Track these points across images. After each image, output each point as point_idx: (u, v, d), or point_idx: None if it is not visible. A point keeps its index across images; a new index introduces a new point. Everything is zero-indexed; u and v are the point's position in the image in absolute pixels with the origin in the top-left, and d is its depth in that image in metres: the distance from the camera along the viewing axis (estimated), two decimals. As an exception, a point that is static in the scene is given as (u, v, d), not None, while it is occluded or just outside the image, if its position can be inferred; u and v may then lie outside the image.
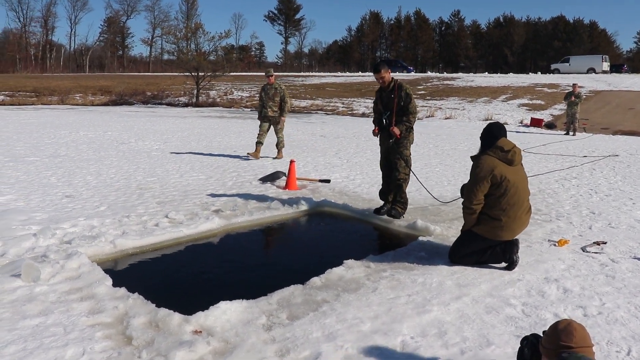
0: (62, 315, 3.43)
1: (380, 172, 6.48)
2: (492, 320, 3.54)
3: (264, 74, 11.28)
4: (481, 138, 4.66)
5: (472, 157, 4.73)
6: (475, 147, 13.82)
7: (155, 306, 3.55)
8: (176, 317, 3.37)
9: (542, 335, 2.45)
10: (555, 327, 2.23)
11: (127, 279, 4.17)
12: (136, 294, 3.72)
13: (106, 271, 4.22)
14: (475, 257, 4.54)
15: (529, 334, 2.53)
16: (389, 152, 6.17)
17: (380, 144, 6.34)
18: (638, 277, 4.45)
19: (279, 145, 11.16)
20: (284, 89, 11.02)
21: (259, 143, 11.01)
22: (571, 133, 18.07)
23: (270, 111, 10.84)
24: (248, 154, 11.08)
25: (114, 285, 3.93)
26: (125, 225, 5.53)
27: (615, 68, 54.43)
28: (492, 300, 3.87)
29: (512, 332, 3.37)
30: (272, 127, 11.12)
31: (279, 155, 11.13)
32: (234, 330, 3.28)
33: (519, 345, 2.53)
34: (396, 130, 5.93)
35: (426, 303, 3.77)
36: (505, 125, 4.99)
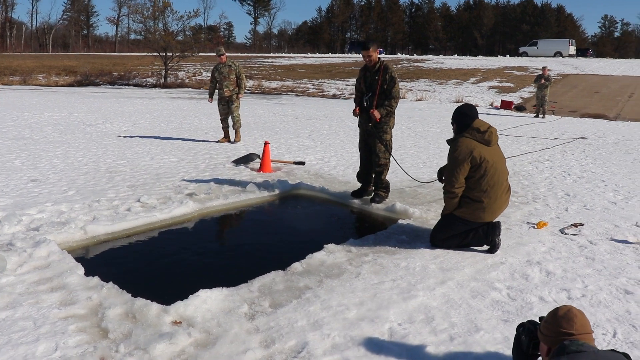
0: (31, 308, 3.23)
1: (358, 154, 6.36)
2: (479, 305, 3.50)
3: (216, 53, 10.50)
4: (455, 120, 4.60)
5: (448, 141, 4.66)
6: (447, 128, 13.86)
7: (131, 296, 3.40)
8: (154, 308, 3.21)
9: (538, 321, 2.39)
10: (555, 313, 2.17)
11: (100, 267, 3.98)
12: (110, 283, 3.55)
13: (77, 259, 4.02)
14: (457, 240, 4.50)
15: (525, 321, 2.47)
16: (369, 135, 6.05)
17: (359, 125, 6.20)
18: (616, 258, 4.48)
19: (236, 126, 10.53)
20: (239, 66, 10.52)
21: (225, 127, 10.58)
22: (541, 116, 18.28)
23: (227, 91, 10.26)
24: (219, 141, 10.56)
25: (86, 274, 3.73)
26: (95, 211, 5.30)
27: (581, 52, 55.49)
28: (477, 284, 3.83)
29: (499, 317, 3.34)
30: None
31: (236, 138, 10.54)
32: (215, 320, 3.15)
33: (515, 333, 2.47)
34: (376, 114, 5.79)
35: (411, 288, 3.70)
36: (476, 107, 4.93)
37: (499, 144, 4.63)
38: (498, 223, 4.51)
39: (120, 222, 4.95)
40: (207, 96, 10.92)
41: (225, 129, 10.56)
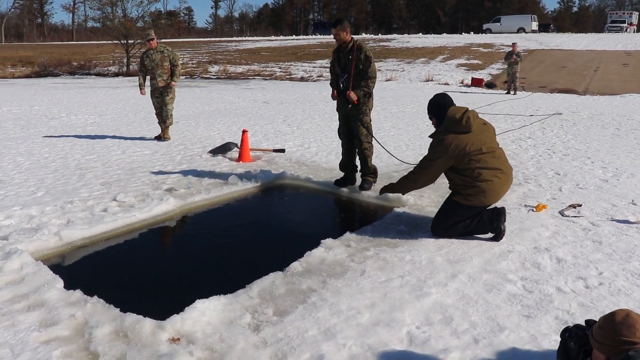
0: (6, 332, 2.86)
1: (338, 139, 6.07)
2: (496, 300, 3.28)
3: (144, 38, 9.00)
4: (432, 114, 4.48)
5: (430, 136, 4.47)
6: (423, 108, 13.69)
7: (120, 311, 3.05)
8: (147, 324, 2.88)
9: (585, 325, 2.18)
10: (611, 319, 1.95)
11: (81, 279, 3.62)
12: (95, 297, 3.19)
13: (55, 270, 3.63)
14: (460, 228, 4.27)
15: (569, 325, 2.25)
16: (348, 119, 5.77)
17: (337, 109, 5.91)
18: (623, 240, 4.34)
19: (168, 122, 9.00)
20: (173, 51, 9.11)
21: (159, 122, 9.15)
22: (512, 92, 18.29)
23: (161, 80, 8.84)
24: (158, 138, 9.10)
25: (67, 287, 3.36)
26: (69, 213, 4.89)
27: (543, 27, 56.10)
28: (489, 276, 3.61)
29: (519, 312, 3.13)
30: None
31: (165, 135, 9.05)
32: (217, 334, 2.84)
33: (560, 338, 2.25)
34: (353, 96, 5.50)
35: (422, 285, 3.46)
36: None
37: (485, 122, 4.41)
38: (503, 209, 4.31)
39: (98, 225, 4.55)
40: (139, 88, 9.14)
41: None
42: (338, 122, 6.00)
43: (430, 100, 4.49)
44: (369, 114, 5.75)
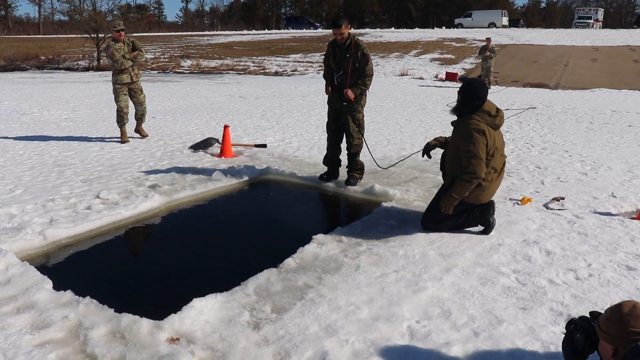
0: (-2, 335, 2.77)
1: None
2: (491, 293, 3.32)
3: (114, 28, 8.29)
4: (462, 95, 4.22)
5: (453, 123, 4.41)
6: (400, 102, 13.76)
7: (115, 311, 2.98)
8: (145, 324, 2.82)
9: (590, 316, 2.21)
10: (618, 310, 1.98)
11: (71, 279, 3.53)
12: (87, 297, 3.11)
13: (42, 271, 3.52)
14: (451, 222, 4.31)
15: (575, 317, 2.27)
16: (339, 115, 5.74)
17: (328, 103, 5.87)
18: (607, 232, 4.43)
19: (144, 117, 8.62)
20: (135, 40, 8.51)
21: (125, 124, 8.32)
22: (489, 86, 18.52)
23: (134, 75, 8.27)
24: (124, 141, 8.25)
25: (56, 288, 3.27)
26: (52, 211, 4.76)
27: (513, 22, 56.93)
28: (482, 270, 3.65)
29: (515, 305, 3.17)
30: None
31: (143, 132, 8.69)
32: (217, 333, 2.80)
33: (565, 331, 2.27)
34: (350, 94, 5.45)
35: (418, 279, 3.48)
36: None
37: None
38: (492, 202, 4.35)
39: (83, 223, 4.44)
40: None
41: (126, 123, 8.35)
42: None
43: (468, 85, 4.23)
44: (362, 110, 5.73)
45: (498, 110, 4.21)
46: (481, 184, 4.16)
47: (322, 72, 5.71)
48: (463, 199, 4.21)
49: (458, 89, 4.34)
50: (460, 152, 4.15)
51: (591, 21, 52.43)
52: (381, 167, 6.33)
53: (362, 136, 5.79)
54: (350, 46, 5.42)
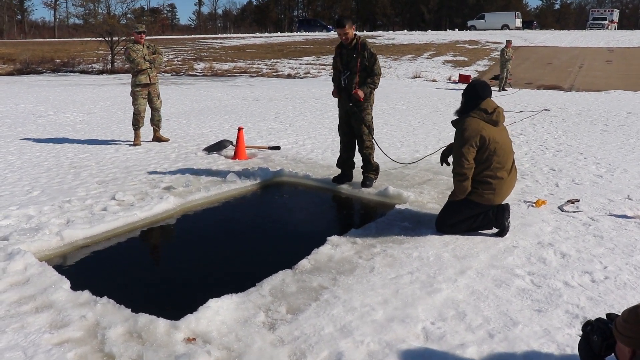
0: (17, 335, 2.81)
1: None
2: (506, 295, 3.31)
3: (136, 30, 8.39)
4: (465, 96, 4.32)
5: (453, 122, 4.43)
6: (413, 105, 13.73)
7: (131, 311, 3.01)
8: (161, 324, 2.85)
9: (607, 318, 2.20)
10: (636, 312, 1.97)
11: (88, 279, 3.57)
12: (105, 297, 3.15)
13: (60, 271, 3.57)
14: (466, 225, 4.30)
15: (591, 319, 2.26)
16: (349, 116, 5.75)
17: (339, 106, 5.89)
18: (623, 235, 4.40)
19: (160, 123, 8.67)
20: (156, 45, 8.64)
21: (140, 127, 8.45)
22: (501, 89, 18.44)
23: (152, 77, 8.33)
24: (136, 144, 8.36)
25: (74, 288, 3.31)
26: (68, 212, 4.82)
27: (526, 24, 56.57)
28: (497, 272, 3.64)
29: (530, 307, 3.15)
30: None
31: (163, 138, 8.67)
32: (233, 333, 2.82)
33: (581, 332, 2.26)
34: (360, 94, 5.46)
35: (432, 281, 3.48)
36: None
37: (504, 125, 4.43)
38: (507, 205, 4.33)
39: (99, 224, 4.49)
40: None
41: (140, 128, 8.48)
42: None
43: (472, 86, 4.31)
44: (370, 111, 5.73)
45: (496, 107, 4.21)
46: (490, 182, 4.15)
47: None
48: (475, 200, 4.21)
49: (462, 90, 4.38)
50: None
51: (606, 22, 51.95)
52: (400, 163, 6.36)
53: (373, 138, 5.80)
54: (356, 46, 5.45)
